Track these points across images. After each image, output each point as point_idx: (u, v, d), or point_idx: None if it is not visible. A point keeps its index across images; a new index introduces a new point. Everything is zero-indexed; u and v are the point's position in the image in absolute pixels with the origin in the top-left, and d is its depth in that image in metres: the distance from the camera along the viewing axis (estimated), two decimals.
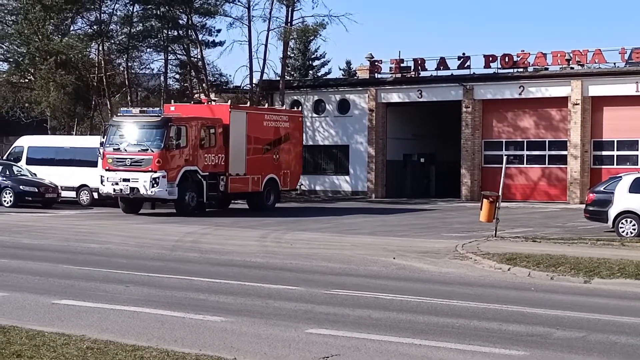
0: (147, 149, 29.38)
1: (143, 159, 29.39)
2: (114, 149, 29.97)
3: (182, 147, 29.93)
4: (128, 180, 29.41)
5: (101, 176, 30.23)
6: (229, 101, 35.36)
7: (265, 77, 45.69)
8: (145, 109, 32.23)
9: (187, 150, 30.10)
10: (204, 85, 46.20)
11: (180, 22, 45.80)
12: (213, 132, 31.21)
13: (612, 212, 22.97)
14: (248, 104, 38.67)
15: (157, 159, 29.13)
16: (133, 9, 44.72)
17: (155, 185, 29.08)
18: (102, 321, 11.16)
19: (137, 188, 29.31)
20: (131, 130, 30.10)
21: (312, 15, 45.00)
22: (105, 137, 30.67)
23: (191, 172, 30.19)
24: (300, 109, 43.24)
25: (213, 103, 34.11)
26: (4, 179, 33.14)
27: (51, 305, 12.23)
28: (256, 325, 11.04)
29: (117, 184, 29.59)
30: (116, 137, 30.22)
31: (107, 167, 29.99)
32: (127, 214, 30.35)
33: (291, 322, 11.24)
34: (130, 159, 29.59)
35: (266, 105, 40.38)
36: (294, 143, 35.33)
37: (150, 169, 29.17)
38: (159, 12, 44.64)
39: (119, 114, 31.95)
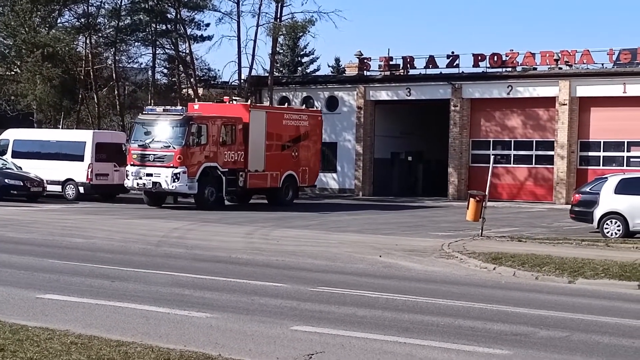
0: (170, 146, 30.76)
1: (165, 155, 30.72)
2: (138, 145, 31.40)
3: (203, 144, 31.19)
4: (151, 175, 30.79)
5: (126, 171, 31.57)
6: (249, 101, 36.77)
7: (253, 72, 45.66)
8: (168, 107, 33.38)
9: (208, 147, 31.30)
10: (192, 80, 46.10)
11: (169, 16, 45.67)
12: (233, 130, 32.27)
13: (598, 213, 23.06)
14: (268, 104, 39.70)
15: (178, 156, 30.40)
16: (121, 2, 44.64)
17: (176, 180, 30.37)
18: (87, 316, 11.13)
19: (159, 183, 30.70)
20: (155, 128, 31.35)
21: (301, 12, 44.78)
22: (131, 134, 32.44)
23: (211, 168, 31.33)
24: (296, 106, 43.22)
25: (234, 102, 34.86)
26: None
27: (35, 299, 12.18)
28: (241, 322, 11.03)
29: (140, 178, 30.97)
30: (141, 134, 31.60)
31: (131, 162, 31.31)
32: (149, 207, 31.41)
33: (276, 319, 11.24)
34: (154, 155, 30.94)
35: (254, 102, 40.46)
36: (313, 141, 36.30)
37: (171, 165, 30.40)
38: (147, 6, 44.49)
39: (144, 112, 33.26)
